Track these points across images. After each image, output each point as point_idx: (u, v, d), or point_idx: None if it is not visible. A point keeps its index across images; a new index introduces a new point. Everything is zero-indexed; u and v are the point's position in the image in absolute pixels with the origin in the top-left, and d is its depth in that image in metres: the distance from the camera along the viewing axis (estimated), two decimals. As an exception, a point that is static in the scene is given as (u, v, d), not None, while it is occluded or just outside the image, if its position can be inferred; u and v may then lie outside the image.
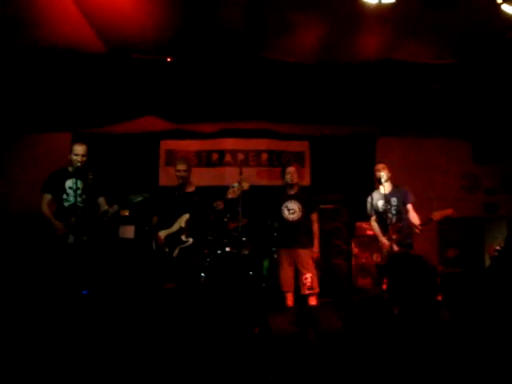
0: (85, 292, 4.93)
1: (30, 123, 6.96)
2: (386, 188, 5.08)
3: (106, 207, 4.72)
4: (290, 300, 5.16)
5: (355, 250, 6.91)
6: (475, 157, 7.87)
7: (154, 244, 5.12)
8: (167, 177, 7.22)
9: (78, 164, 4.59)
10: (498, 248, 5.28)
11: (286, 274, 5.20)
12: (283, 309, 4.94)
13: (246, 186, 5.06)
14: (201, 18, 4.54)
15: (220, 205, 4.99)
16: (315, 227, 5.29)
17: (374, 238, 5.41)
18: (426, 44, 4.88)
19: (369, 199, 5.37)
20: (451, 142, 7.76)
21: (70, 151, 4.70)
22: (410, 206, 5.09)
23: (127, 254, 6.44)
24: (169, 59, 5.24)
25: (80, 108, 6.72)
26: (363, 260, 6.77)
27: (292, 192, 5.34)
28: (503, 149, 7.64)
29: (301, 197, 5.32)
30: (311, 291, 5.05)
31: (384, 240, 5.07)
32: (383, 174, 5.08)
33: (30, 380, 3.20)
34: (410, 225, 4.92)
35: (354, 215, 7.13)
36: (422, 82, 5.92)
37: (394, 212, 5.08)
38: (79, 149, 4.65)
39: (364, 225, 6.77)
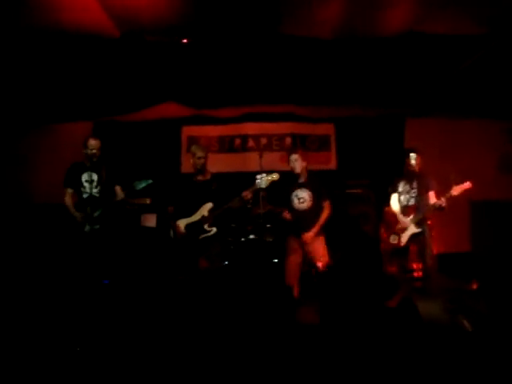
0: (106, 281, 4.97)
1: (51, 113, 6.90)
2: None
3: (122, 195, 4.88)
4: (295, 292, 5.07)
5: (384, 235, 6.63)
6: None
7: (172, 233, 5.00)
8: (189, 164, 7.08)
9: (93, 158, 4.78)
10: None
11: (293, 262, 5.12)
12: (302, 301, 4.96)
13: (276, 176, 4.91)
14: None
15: (248, 195, 4.86)
16: (323, 214, 5.09)
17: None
18: (455, 15, 4.55)
19: None
20: (485, 121, 7.34)
21: (85, 146, 4.81)
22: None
23: (149, 242, 6.38)
24: (185, 41, 5.07)
25: (99, 96, 6.62)
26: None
27: (302, 180, 5.16)
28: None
29: (311, 184, 5.13)
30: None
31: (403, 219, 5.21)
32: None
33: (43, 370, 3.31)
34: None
35: (382, 199, 6.86)
36: (452, 57, 5.57)
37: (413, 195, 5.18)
38: (93, 143, 4.81)
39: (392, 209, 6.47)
